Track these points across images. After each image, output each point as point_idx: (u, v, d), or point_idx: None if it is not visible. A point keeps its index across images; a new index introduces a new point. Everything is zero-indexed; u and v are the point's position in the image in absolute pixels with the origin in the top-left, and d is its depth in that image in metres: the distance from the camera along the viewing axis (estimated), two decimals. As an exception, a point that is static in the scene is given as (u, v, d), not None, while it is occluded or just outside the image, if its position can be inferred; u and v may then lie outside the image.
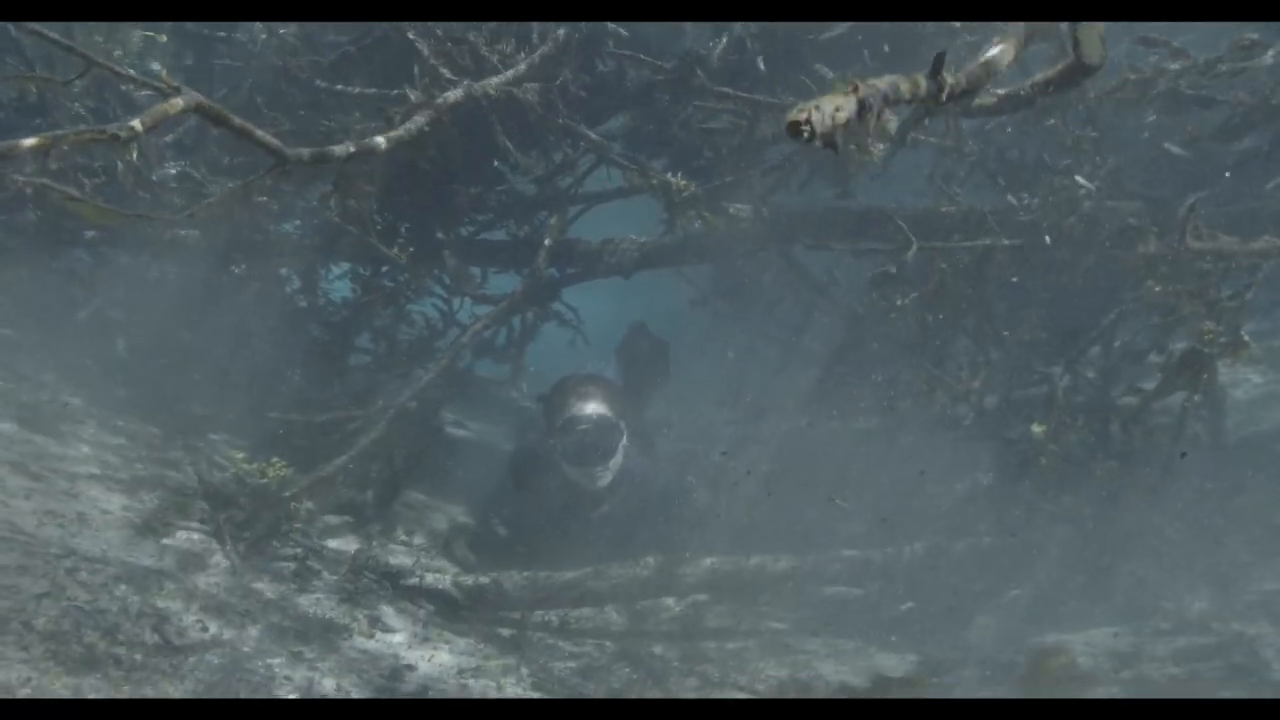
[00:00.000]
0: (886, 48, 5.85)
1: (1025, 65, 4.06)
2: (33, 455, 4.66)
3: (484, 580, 4.74)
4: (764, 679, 4.27)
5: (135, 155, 4.50)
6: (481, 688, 3.78)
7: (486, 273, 6.99)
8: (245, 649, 3.57)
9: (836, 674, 4.41)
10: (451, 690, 3.70)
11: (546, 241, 6.42)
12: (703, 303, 8.28)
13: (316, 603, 4.16)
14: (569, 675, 4.11)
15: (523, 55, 5.52)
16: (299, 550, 4.65)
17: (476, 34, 5.39)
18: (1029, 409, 5.50)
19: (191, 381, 5.97)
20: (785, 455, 6.20)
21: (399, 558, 4.91)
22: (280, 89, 5.82)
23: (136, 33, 5.58)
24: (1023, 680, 3.95)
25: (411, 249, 5.82)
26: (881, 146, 4.81)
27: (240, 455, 5.05)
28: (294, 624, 3.91)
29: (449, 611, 4.57)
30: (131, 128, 2.77)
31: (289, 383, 6.19)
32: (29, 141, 2.64)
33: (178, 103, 2.92)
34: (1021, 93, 3.32)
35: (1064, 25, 3.04)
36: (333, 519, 5.25)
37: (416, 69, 5.20)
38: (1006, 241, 5.43)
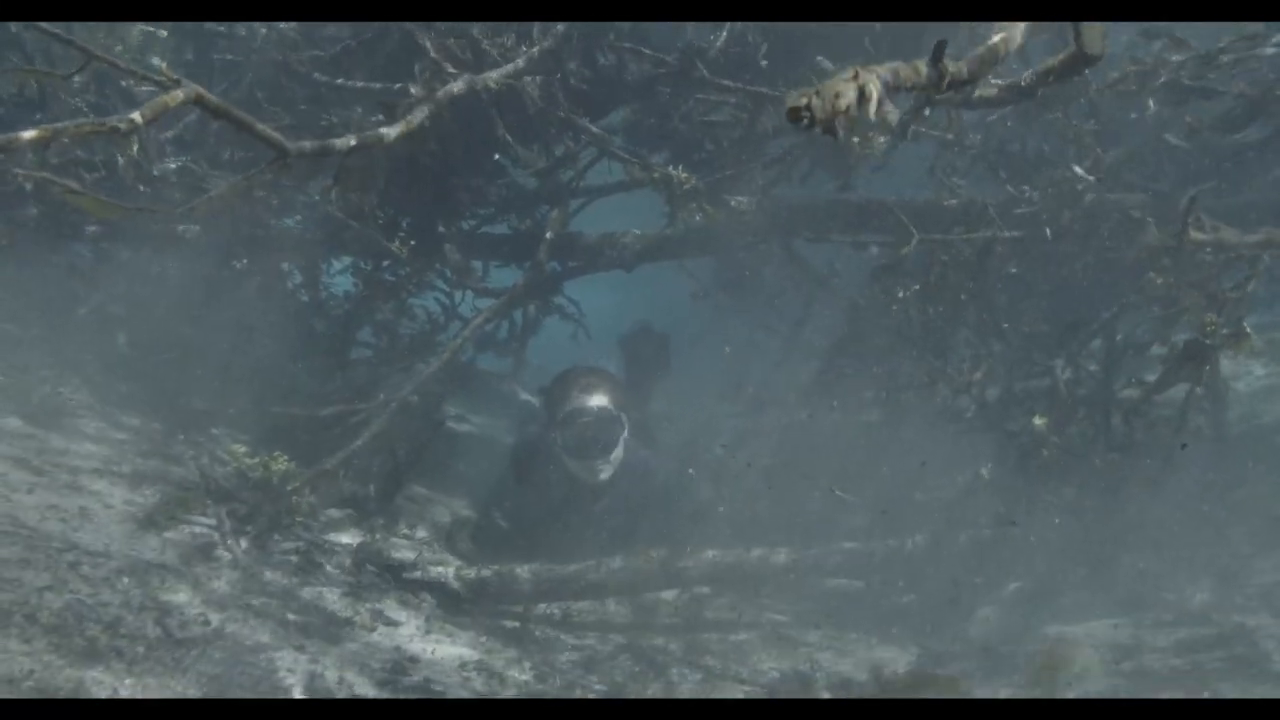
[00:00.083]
0: (888, 40, 5.85)
1: (1026, 56, 4.07)
2: (35, 450, 4.67)
3: (486, 573, 4.74)
4: (765, 671, 4.28)
5: (135, 149, 4.51)
6: (485, 680, 3.78)
7: (488, 266, 7.00)
8: (247, 642, 3.57)
9: (838, 667, 4.41)
10: (454, 683, 3.70)
11: (548, 235, 6.43)
12: (704, 296, 8.28)
13: (319, 596, 4.17)
14: (571, 667, 4.12)
15: (523, 49, 5.52)
16: (301, 544, 4.65)
17: (477, 28, 5.38)
18: (1031, 401, 5.51)
19: (193, 376, 5.97)
20: (786, 448, 6.20)
21: (401, 551, 4.91)
22: (280, 84, 5.83)
23: (136, 28, 5.58)
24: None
25: (413, 243, 5.83)
26: (883, 139, 4.82)
27: (242, 449, 5.06)
28: (296, 617, 3.92)
29: (451, 604, 4.57)
30: (132, 120, 2.77)
31: (291, 377, 6.20)
32: (29, 134, 2.64)
33: (178, 95, 2.92)
34: (1023, 83, 3.31)
35: (1066, 15, 3.03)
36: (335, 513, 5.26)
37: (417, 66, 5.20)
38: (1007, 234, 5.43)
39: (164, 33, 5.72)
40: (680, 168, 5.88)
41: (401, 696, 3.49)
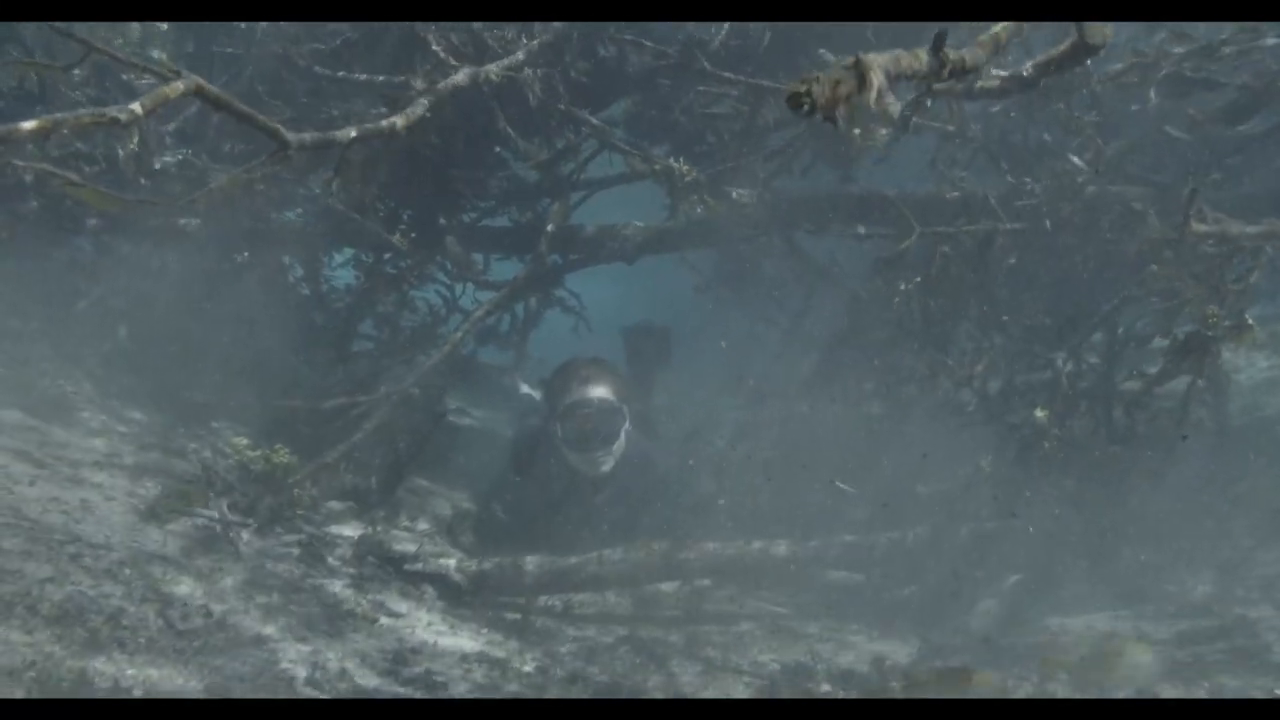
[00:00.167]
0: (890, 35, 5.83)
1: (1029, 47, 4.05)
2: (36, 442, 4.68)
3: (487, 565, 4.75)
4: (766, 663, 4.28)
5: (136, 141, 4.51)
6: (486, 671, 3.79)
7: (489, 259, 7.00)
8: (249, 633, 3.58)
9: (839, 659, 4.41)
10: (456, 674, 3.71)
11: (549, 227, 6.43)
12: (706, 288, 8.29)
13: (320, 588, 4.17)
14: (573, 659, 4.12)
15: (524, 41, 5.51)
16: (303, 536, 4.66)
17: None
18: (1032, 394, 5.50)
19: (194, 369, 5.98)
20: (788, 440, 6.20)
21: (403, 543, 4.91)
22: (281, 76, 5.82)
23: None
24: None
25: (414, 235, 5.82)
26: (884, 131, 4.81)
27: (244, 442, 5.06)
28: (298, 608, 3.93)
29: (453, 596, 4.58)
30: (132, 111, 2.76)
31: (292, 370, 6.20)
32: (28, 124, 2.64)
33: (178, 86, 2.91)
34: (1025, 74, 3.30)
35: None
36: (336, 505, 5.27)
37: (419, 59, 5.20)
38: (1008, 226, 5.42)
39: (164, 25, 5.71)
40: (681, 160, 5.87)
41: (403, 688, 3.50)
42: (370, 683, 3.48)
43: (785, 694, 3.88)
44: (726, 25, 5.86)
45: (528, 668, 3.91)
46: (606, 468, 5.74)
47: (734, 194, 6.14)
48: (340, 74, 5.69)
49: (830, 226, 6.27)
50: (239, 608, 3.75)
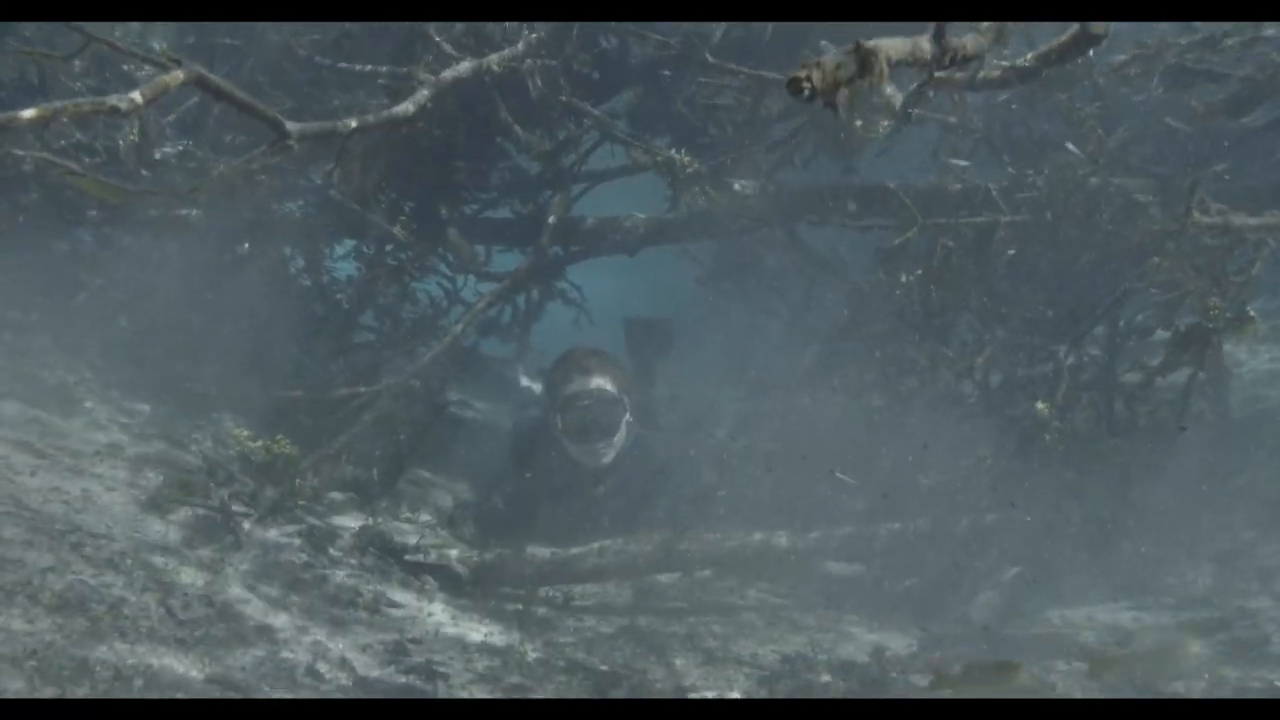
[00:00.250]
0: (891, 32, 5.81)
1: (1031, 37, 4.05)
2: (37, 433, 4.68)
3: (489, 556, 4.76)
4: (767, 654, 4.29)
5: (136, 130, 4.50)
6: (487, 661, 3.80)
7: (490, 251, 6.99)
8: (251, 623, 3.59)
9: (839, 650, 4.42)
10: (458, 665, 3.71)
11: (551, 219, 6.42)
12: (708, 280, 8.28)
13: (322, 578, 4.18)
14: (573, 649, 4.13)
15: (525, 32, 5.50)
16: (304, 527, 4.66)
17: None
18: (1033, 386, 5.50)
19: (196, 360, 5.97)
20: (789, 432, 6.20)
21: (404, 534, 4.93)
22: (282, 67, 5.81)
23: (137, 12, 5.55)
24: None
25: (415, 226, 5.81)
26: (886, 122, 4.80)
27: (245, 433, 5.06)
28: (299, 599, 3.93)
29: (454, 587, 4.59)
30: (132, 99, 2.76)
31: (293, 361, 6.20)
32: (28, 113, 2.64)
33: (178, 75, 2.91)
34: (1028, 64, 3.30)
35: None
36: (338, 496, 5.28)
37: (420, 48, 5.19)
38: (1010, 218, 5.41)
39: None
40: (683, 151, 5.86)
41: (404, 678, 3.50)
42: (372, 673, 3.48)
43: (786, 685, 3.88)
44: (729, 18, 5.85)
45: (529, 658, 3.91)
46: (607, 459, 5.74)
47: (736, 185, 6.14)
48: (341, 65, 5.68)
49: (832, 218, 6.26)
50: (240, 598, 3.76)
